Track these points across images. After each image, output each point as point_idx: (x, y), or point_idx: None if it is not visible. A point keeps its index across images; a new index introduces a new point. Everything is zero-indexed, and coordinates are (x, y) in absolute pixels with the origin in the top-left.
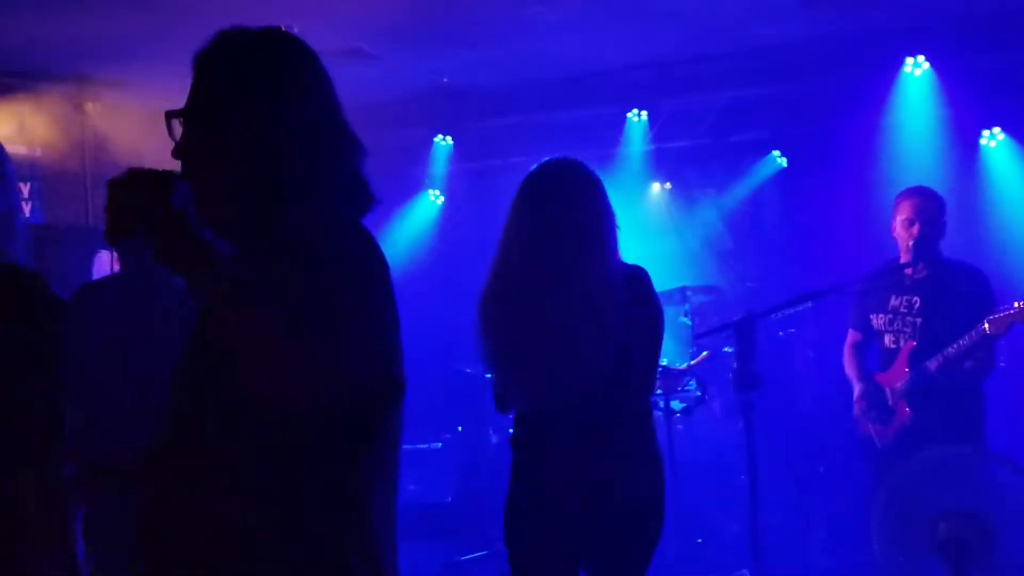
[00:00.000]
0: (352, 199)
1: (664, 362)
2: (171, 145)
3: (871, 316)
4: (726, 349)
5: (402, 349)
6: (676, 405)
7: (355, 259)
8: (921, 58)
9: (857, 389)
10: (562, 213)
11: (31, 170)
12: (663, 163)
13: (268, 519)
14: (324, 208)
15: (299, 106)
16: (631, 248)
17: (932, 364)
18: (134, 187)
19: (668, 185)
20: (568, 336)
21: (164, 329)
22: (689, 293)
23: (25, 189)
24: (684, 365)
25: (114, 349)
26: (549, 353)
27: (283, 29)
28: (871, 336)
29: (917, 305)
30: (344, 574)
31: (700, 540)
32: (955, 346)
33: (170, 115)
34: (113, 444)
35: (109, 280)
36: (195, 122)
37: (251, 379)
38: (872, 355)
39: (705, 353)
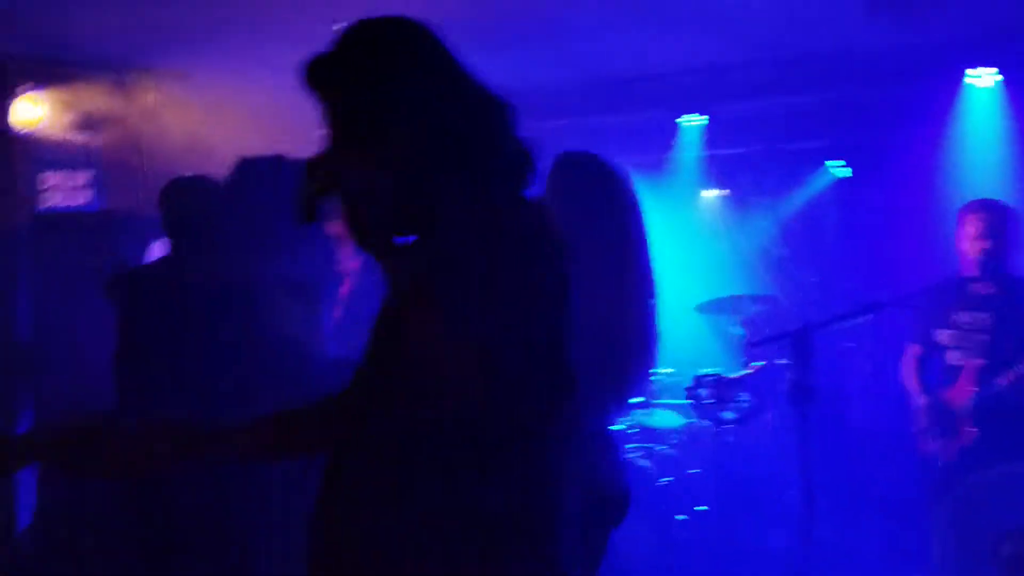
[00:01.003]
0: (515, 173)
1: (717, 371)
2: (226, 135)
3: (934, 331)
4: (780, 361)
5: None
6: (728, 415)
7: (526, 247)
8: (991, 70)
9: (918, 403)
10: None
11: (90, 159)
12: (717, 169)
13: (450, 515)
14: (489, 192)
15: (444, 89)
16: (681, 255)
17: (1002, 381)
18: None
19: (722, 192)
20: None
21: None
22: (742, 302)
23: (83, 177)
24: (737, 375)
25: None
26: None
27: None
28: (933, 351)
29: (986, 322)
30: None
31: (746, 555)
32: (1019, 368)
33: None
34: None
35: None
36: (349, 146)
37: (433, 380)
38: (932, 370)
39: (759, 363)
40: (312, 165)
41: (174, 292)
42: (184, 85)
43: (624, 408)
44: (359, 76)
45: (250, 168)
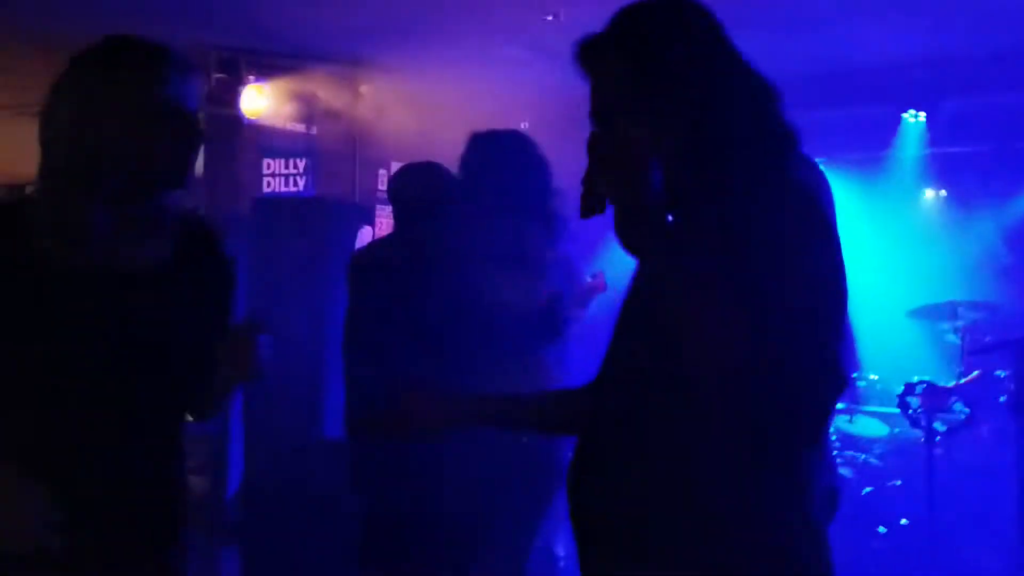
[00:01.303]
0: (781, 152)
1: (928, 379)
2: (437, 128)
3: None
4: (999, 372)
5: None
6: (939, 426)
7: (813, 230)
8: None
9: None
10: None
11: (307, 146)
12: (940, 168)
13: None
14: (765, 166)
15: (716, 67)
16: (899, 257)
17: None
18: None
19: (943, 192)
20: None
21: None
22: (959, 308)
23: (300, 164)
24: (951, 384)
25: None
26: None
27: None
28: None
29: None
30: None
31: (952, 573)
32: None
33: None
34: None
35: None
36: (620, 112)
37: (707, 370)
38: None
39: (976, 372)
40: (593, 146)
41: (403, 270)
42: (398, 79)
43: None
44: (641, 53)
45: (490, 142)
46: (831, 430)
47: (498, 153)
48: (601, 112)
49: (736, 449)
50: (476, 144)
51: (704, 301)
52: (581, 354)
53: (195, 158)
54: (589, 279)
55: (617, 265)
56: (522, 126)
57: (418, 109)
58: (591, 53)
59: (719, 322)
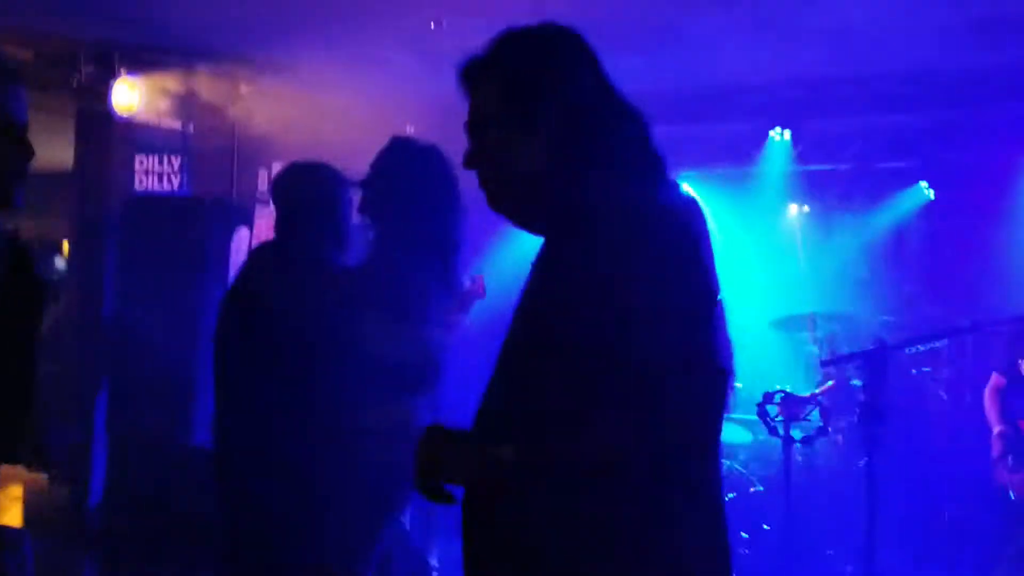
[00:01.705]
0: (648, 175)
1: (787, 388)
2: (317, 127)
3: (1020, 361)
4: (854, 382)
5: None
6: (796, 433)
7: (667, 239)
8: None
9: (997, 429)
10: None
11: (183, 144)
12: (803, 184)
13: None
14: (627, 188)
15: (586, 94)
16: (763, 268)
17: None
18: None
19: (806, 207)
20: None
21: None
22: (819, 319)
23: (175, 162)
24: (808, 393)
25: None
26: None
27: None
28: (1018, 382)
29: None
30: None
31: None
32: None
33: (468, 129)
34: None
35: None
36: (495, 127)
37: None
38: (1016, 401)
39: (831, 382)
40: (469, 157)
41: (285, 275)
42: (281, 78)
43: None
44: (513, 77)
45: (410, 152)
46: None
47: (416, 165)
48: (474, 129)
49: (630, 467)
50: (394, 150)
51: (580, 326)
52: (465, 363)
53: (22, 177)
54: (468, 283)
55: (498, 270)
56: (408, 130)
57: (301, 109)
58: (470, 74)
59: (596, 343)
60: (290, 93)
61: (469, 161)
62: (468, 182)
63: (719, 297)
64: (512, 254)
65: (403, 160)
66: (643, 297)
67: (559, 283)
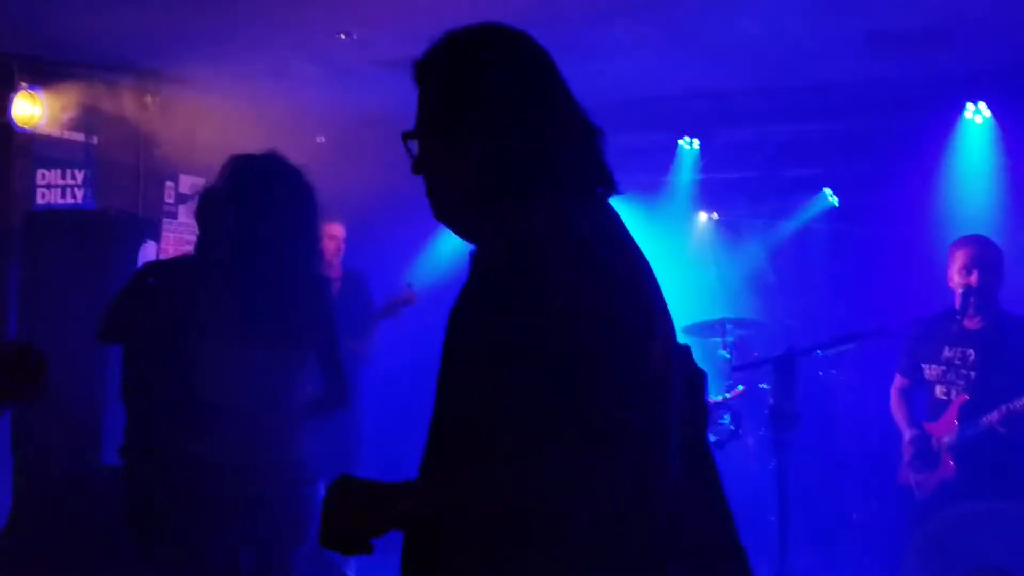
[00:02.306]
0: (589, 188)
1: None
2: (223, 139)
3: (923, 365)
4: (763, 385)
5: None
6: (709, 438)
7: (585, 260)
8: (982, 105)
9: (908, 434)
10: None
11: (87, 157)
12: (712, 193)
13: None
14: (558, 203)
15: (532, 100)
16: (675, 276)
17: (991, 417)
18: None
19: (715, 215)
20: None
21: None
22: (728, 325)
23: (80, 175)
24: (720, 398)
25: None
26: None
27: (501, 25)
28: (920, 384)
29: (972, 358)
30: None
31: None
32: (1016, 403)
33: (406, 136)
34: None
35: None
36: (430, 134)
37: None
38: (919, 402)
39: (741, 387)
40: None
41: (189, 288)
42: (188, 90)
43: None
44: (449, 81)
45: (244, 165)
46: None
47: (270, 180)
48: (417, 134)
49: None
50: (238, 168)
51: (514, 368)
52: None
53: None
54: (401, 290)
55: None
56: (318, 140)
57: (209, 121)
58: (417, 71)
59: (532, 386)
60: (197, 105)
61: (414, 167)
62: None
63: (662, 323)
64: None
65: (258, 171)
66: (580, 335)
67: (489, 315)
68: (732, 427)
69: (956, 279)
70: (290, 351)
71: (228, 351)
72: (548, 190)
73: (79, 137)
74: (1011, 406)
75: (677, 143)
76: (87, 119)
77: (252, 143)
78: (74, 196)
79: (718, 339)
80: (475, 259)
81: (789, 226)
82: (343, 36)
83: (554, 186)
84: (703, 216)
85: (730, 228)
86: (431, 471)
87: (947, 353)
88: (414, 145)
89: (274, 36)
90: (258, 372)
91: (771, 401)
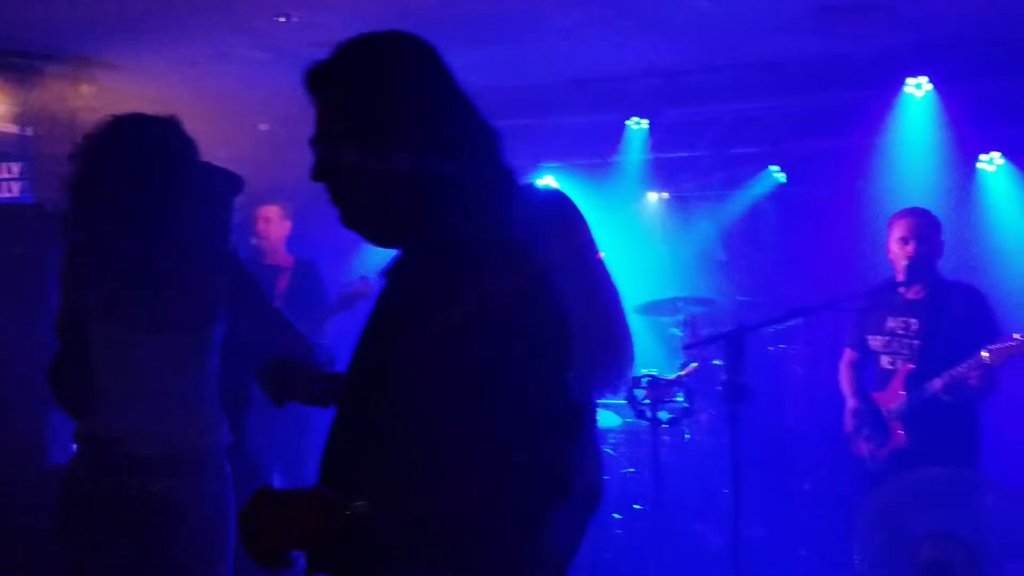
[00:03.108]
0: (496, 190)
1: (653, 372)
2: None
3: (868, 337)
4: (715, 362)
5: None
6: (663, 416)
7: (500, 274)
8: (923, 79)
9: (850, 404)
10: None
11: (22, 149)
12: (661, 172)
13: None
14: (468, 208)
15: (432, 105)
16: (624, 257)
17: (934, 385)
18: None
19: (665, 194)
20: None
21: None
22: (681, 304)
23: (16, 168)
24: (673, 376)
25: None
26: None
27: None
28: (868, 356)
29: (915, 327)
30: None
31: (680, 552)
32: (957, 370)
33: (315, 142)
34: None
35: None
36: (340, 142)
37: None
38: (868, 373)
39: (694, 364)
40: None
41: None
42: (127, 77)
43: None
44: (360, 83)
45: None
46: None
47: (152, 153)
48: (319, 142)
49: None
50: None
51: (433, 377)
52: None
53: None
54: (356, 282)
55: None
56: (261, 127)
57: (148, 109)
58: (315, 80)
59: (450, 393)
60: (136, 93)
61: (315, 175)
62: None
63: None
64: None
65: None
66: (491, 346)
67: (406, 323)
68: (685, 404)
69: (895, 250)
70: (191, 333)
71: (125, 338)
72: (463, 192)
73: (13, 129)
74: (953, 373)
75: (626, 123)
76: (20, 110)
77: (192, 130)
78: (10, 190)
79: (670, 318)
80: (399, 264)
81: (738, 204)
82: (283, 19)
83: (467, 188)
84: (653, 195)
85: (680, 207)
86: (367, 471)
87: (890, 324)
88: (317, 151)
89: (212, 20)
90: (158, 359)
91: (723, 377)
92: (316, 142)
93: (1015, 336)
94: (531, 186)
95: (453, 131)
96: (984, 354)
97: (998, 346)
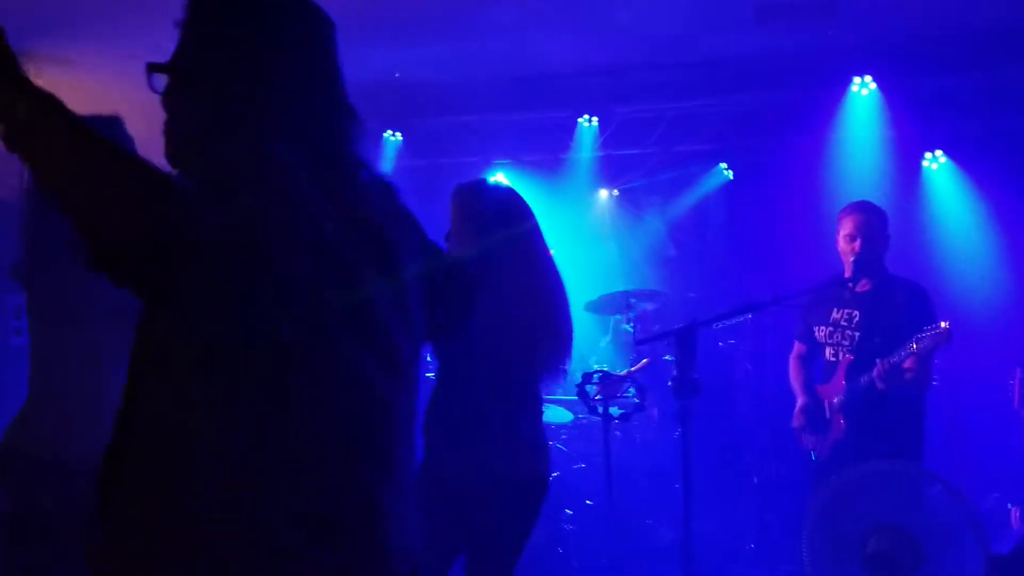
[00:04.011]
0: (312, 148)
1: (604, 367)
2: None
3: (814, 328)
4: (666, 357)
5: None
6: (615, 411)
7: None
8: (868, 78)
9: (799, 401)
10: None
11: None
12: (611, 170)
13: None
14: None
15: (275, 60)
16: (575, 253)
17: (867, 377)
18: None
19: (615, 192)
20: None
21: None
22: (632, 299)
23: None
24: (624, 371)
25: None
26: None
27: None
28: (815, 348)
29: (856, 319)
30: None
31: (631, 546)
32: (890, 359)
33: (152, 68)
34: None
35: None
36: (172, 70)
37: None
38: (816, 367)
39: (645, 360)
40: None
41: None
42: (66, 70)
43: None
44: (204, 11)
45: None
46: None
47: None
48: (164, 63)
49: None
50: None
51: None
52: None
53: None
54: None
55: None
56: None
57: (90, 104)
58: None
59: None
60: (81, 88)
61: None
62: None
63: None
64: None
65: None
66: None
67: None
68: (637, 400)
69: (843, 245)
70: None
71: (51, 335)
72: (258, 149)
73: None
74: (886, 362)
75: (576, 121)
76: None
77: (136, 126)
78: None
79: (621, 315)
80: None
81: (687, 200)
82: None
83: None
84: (603, 192)
85: (630, 204)
86: None
87: (835, 315)
88: (159, 80)
89: (152, 13)
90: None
91: (674, 372)
92: (159, 68)
93: (942, 324)
94: (482, 182)
95: (281, 96)
96: (913, 344)
97: (927, 333)
